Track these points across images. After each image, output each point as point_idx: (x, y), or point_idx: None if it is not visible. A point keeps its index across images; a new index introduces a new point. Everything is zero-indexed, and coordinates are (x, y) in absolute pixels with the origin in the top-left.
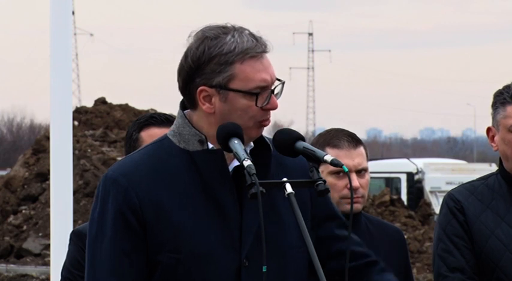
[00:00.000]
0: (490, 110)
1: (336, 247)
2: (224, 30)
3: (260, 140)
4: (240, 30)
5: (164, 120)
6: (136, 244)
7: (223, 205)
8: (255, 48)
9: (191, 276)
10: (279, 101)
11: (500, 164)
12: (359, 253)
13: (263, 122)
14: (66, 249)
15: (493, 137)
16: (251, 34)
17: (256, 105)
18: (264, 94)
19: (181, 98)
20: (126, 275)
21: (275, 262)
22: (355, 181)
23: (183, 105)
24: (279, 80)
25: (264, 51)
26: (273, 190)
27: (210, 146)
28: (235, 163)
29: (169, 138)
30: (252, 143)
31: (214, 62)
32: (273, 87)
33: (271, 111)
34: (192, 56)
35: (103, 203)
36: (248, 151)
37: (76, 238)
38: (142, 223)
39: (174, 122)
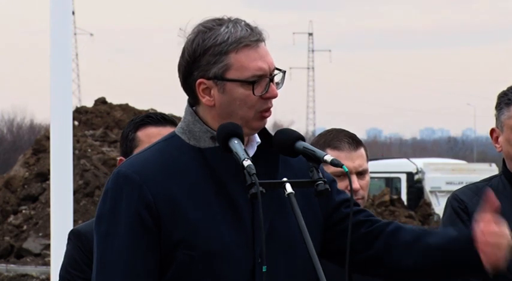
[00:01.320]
0: (493, 111)
1: (354, 219)
2: (219, 22)
3: (266, 137)
4: (235, 21)
5: (160, 119)
6: (150, 242)
7: (236, 202)
8: (249, 37)
9: (206, 273)
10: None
11: (504, 165)
12: (377, 220)
13: (263, 113)
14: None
15: (497, 138)
16: (246, 24)
17: (253, 93)
18: (262, 83)
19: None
20: (139, 275)
21: (285, 258)
22: (356, 183)
23: (191, 103)
24: (279, 69)
25: (259, 39)
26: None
27: None
28: None
29: (178, 135)
30: (258, 138)
31: (209, 54)
32: (271, 76)
33: (272, 109)
34: (188, 50)
35: (115, 200)
36: (255, 147)
37: (75, 237)
38: (157, 220)
39: (182, 119)
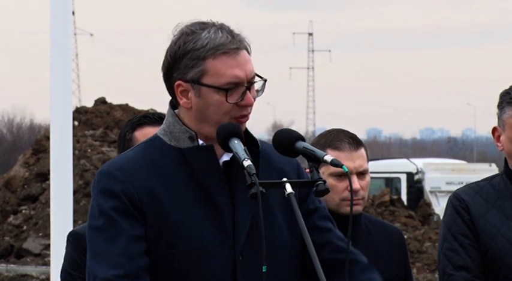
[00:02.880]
0: (493, 111)
1: (319, 238)
2: (202, 26)
3: (247, 137)
4: (219, 27)
5: (157, 119)
6: (139, 231)
7: (216, 201)
8: (229, 45)
9: (187, 271)
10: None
11: (505, 164)
12: (340, 247)
13: (239, 119)
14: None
15: (499, 137)
16: (229, 31)
17: (227, 101)
18: (238, 90)
19: None
20: (134, 261)
21: (268, 259)
22: (356, 183)
23: (173, 105)
24: (260, 77)
25: (239, 47)
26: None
27: (200, 142)
28: (224, 157)
29: (160, 137)
30: None
31: (187, 57)
32: (249, 84)
33: (249, 114)
34: (170, 52)
35: (100, 196)
36: None
37: (73, 239)
38: (141, 212)
39: (164, 121)
